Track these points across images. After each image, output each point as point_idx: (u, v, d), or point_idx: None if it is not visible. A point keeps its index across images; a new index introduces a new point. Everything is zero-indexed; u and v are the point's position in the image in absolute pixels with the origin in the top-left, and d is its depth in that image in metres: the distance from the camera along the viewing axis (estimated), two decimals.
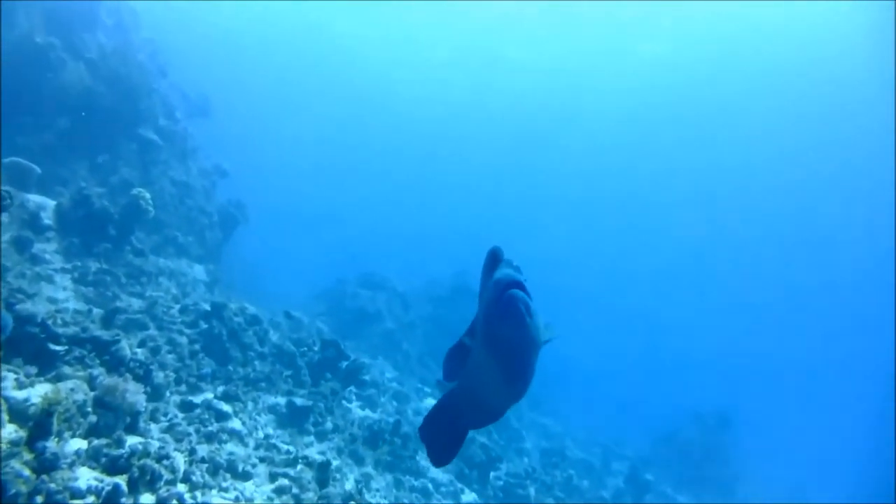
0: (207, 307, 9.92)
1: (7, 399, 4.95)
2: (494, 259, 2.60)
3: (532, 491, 11.62)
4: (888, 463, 22.03)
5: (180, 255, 13.41)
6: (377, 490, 8.57)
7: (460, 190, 64.10)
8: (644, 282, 57.33)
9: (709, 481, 20.79)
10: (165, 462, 5.03)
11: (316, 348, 10.39)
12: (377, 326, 18.24)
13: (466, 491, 10.65)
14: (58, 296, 8.98)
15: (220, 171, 16.31)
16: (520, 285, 2.33)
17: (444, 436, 2.96)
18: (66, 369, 6.40)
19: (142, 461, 4.78)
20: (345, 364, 10.37)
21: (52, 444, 4.31)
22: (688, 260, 60.01)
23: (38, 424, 4.25)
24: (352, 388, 10.95)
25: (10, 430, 4.35)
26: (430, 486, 9.95)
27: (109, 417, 5.74)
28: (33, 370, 6.16)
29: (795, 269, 55.72)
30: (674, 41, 47.66)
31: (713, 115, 52.43)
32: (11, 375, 5.52)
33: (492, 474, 11.48)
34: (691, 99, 52.11)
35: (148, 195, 10.73)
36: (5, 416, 4.52)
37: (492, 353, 2.52)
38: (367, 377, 11.29)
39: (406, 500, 8.79)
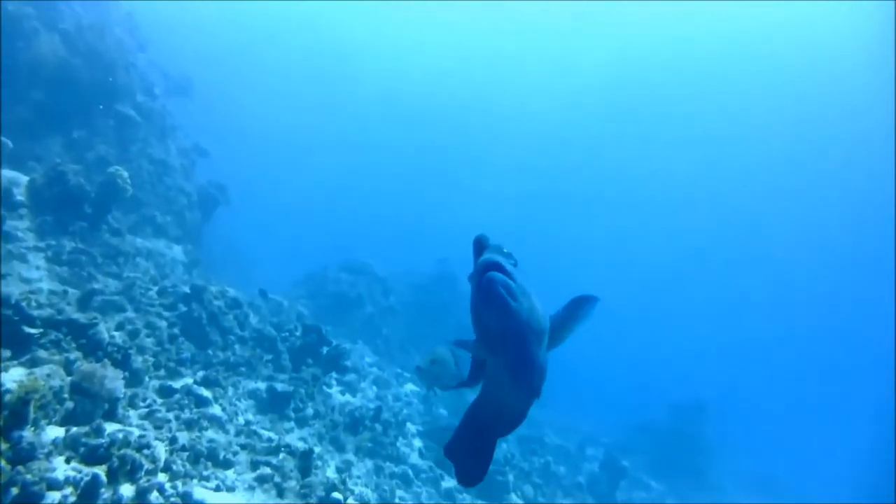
0: (187, 290, 9.71)
1: None
2: (480, 247, 2.45)
3: (511, 477, 11.67)
4: (887, 458, 22.52)
5: (158, 236, 13.12)
6: (358, 477, 8.52)
7: (447, 181, 63.80)
8: (634, 275, 57.82)
9: (682, 468, 21.13)
10: (146, 451, 4.90)
11: (298, 333, 10.25)
12: (358, 311, 18.12)
13: (446, 477, 10.65)
14: (31, 275, 8.74)
15: (200, 151, 15.95)
16: (497, 266, 2.17)
17: (472, 453, 2.79)
18: (42, 353, 6.21)
19: (122, 451, 4.64)
20: (326, 349, 10.26)
21: (28, 434, 4.16)
22: (683, 253, 60.39)
23: (13, 413, 4.08)
24: (333, 373, 10.85)
25: None
26: (410, 472, 9.93)
27: (87, 404, 5.58)
28: (6, 353, 5.97)
29: (788, 263, 56.43)
30: (674, 39, 47.93)
31: (711, 113, 52.77)
32: None
33: None
34: (692, 98, 52.41)
35: (125, 173, 10.43)
36: None
37: (488, 347, 2.40)
38: (348, 363, 11.19)
39: (387, 487, 8.75)
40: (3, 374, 5.36)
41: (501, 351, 2.38)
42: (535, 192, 63.47)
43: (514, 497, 11.48)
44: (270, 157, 49.46)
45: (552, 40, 53.75)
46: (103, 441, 4.71)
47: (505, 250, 2.42)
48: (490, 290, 2.13)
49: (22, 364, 6.08)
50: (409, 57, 58.96)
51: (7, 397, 4.16)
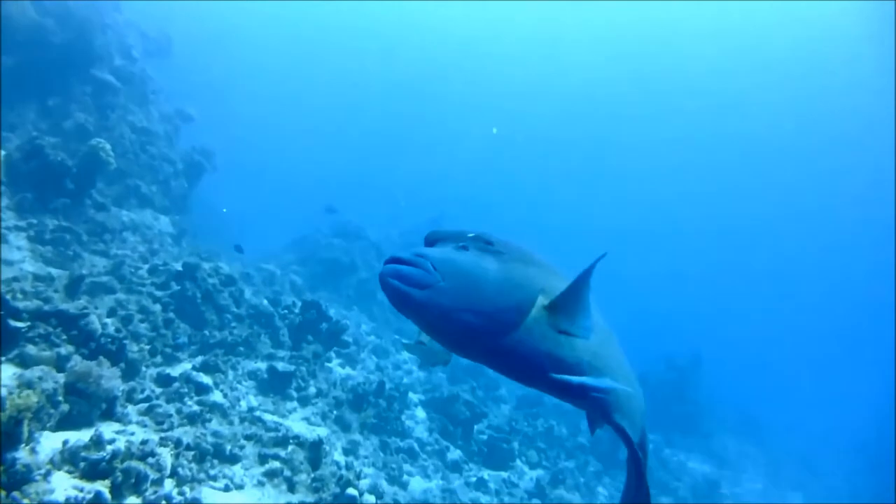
0: (179, 267, 9.33)
1: None
2: (428, 244, 2.14)
3: (516, 444, 11.62)
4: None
5: (144, 207, 12.61)
6: (365, 457, 8.36)
7: (436, 138, 62.65)
8: (634, 238, 57.81)
9: (676, 418, 21.35)
10: (150, 460, 4.62)
11: (296, 311, 9.94)
12: (351, 277, 17.81)
13: (451, 448, 10.57)
14: (13, 257, 8.33)
15: (184, 116, 15.24)
16: (391, 260, 1.85)
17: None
18: (31, 349, 5.85)
19: (125, 463, 4.35)
20: (326, 325, 9.98)
21: (23, 455, 3.85)
22: (683, 217, 60.23)
23: (6, 434, 3.76)
24: (334, 349, 10.60)
25: None
26: (415, 446, 9.81)
27: (83, 405, 5.28)
28: None
29: (789, 235, 56.59)
30: (675, 36, 47.27)
31: (710, 110, 52.32)
32: None
33: (475, 427, 11.41)
34: (690, 93, 51.93)
35: (108, 146, 9.90)
36: None
37: (464, 354, 2.06)
38: (348, 337, 10.94)
39: (394, 465, 8.61)
40: None
41: (468, 350, 2.00)
42: (529, 153, 62.64)
43: (519, 463, 11.46)
44: (257, 117, 48.17)
45: (558, 14, 52.48)
46: (105, 454, 4.41)
47: (470, 234, 2.05)
48: (383, 285, 1.84)
49: (10, 361, 5.74)
50: (409, 18, 56.97)
51: None
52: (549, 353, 1.96)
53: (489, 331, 1.86)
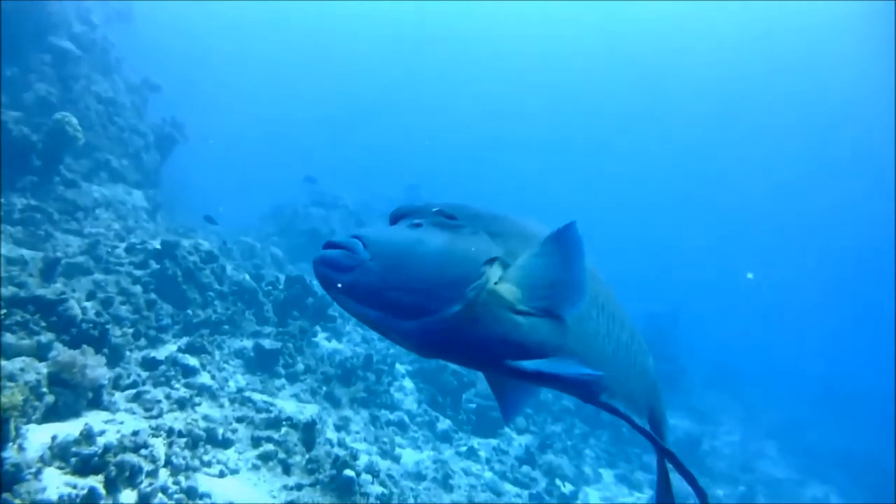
0: (157, 245, 9.05)
1: None
2: (393, 220, 1.90)
3: None
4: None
5: (116, 181, 12.18)
6: (356, 432, 8.32)
7: (416, 104, 61.48)
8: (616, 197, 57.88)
9: (658, 376, 21.69)
10: (144, 451, 4.48)
11: (280, 287, 9.76)
12: None
13: (441, 418, 10.59)
14: None
15: (151, 86, 14.66)
16: (327, 244, 1.62)
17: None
18: (9, 337, 5.62)
19: (118, 457, 4.21)
20: (312, 301, 9.83)
21: (10, 454, 3.69)
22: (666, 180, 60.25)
23: None
24: (320, 323, 10.47)
25: None
26: (405, 418, 9.80)
27: (69, 396, 5.09)
28: None
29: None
30: (677, 35, 46.78)
31: (708, 109, 52.14)
32: None
33: (463, 397, 11.44)
34: (688, 92, 51.76)
35: (74, 120, 9.48)
36: None
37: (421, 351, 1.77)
38: (334, 312, 10.80)
39: (386, 438, 8.59)
40: None
41: (410, 340, 1.67)
42: (508, 116, 61.80)
43: (507, 430, 11.55)
44: (227, 85, 46.71)
45: None
46: (96, 448, 4.26)
47: (434, 209, 1.81)
48: (316, 275, 1.61)
49: None
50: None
51: None
52: (503, 336, 1.65)
53: (425, 311, 1.59)
